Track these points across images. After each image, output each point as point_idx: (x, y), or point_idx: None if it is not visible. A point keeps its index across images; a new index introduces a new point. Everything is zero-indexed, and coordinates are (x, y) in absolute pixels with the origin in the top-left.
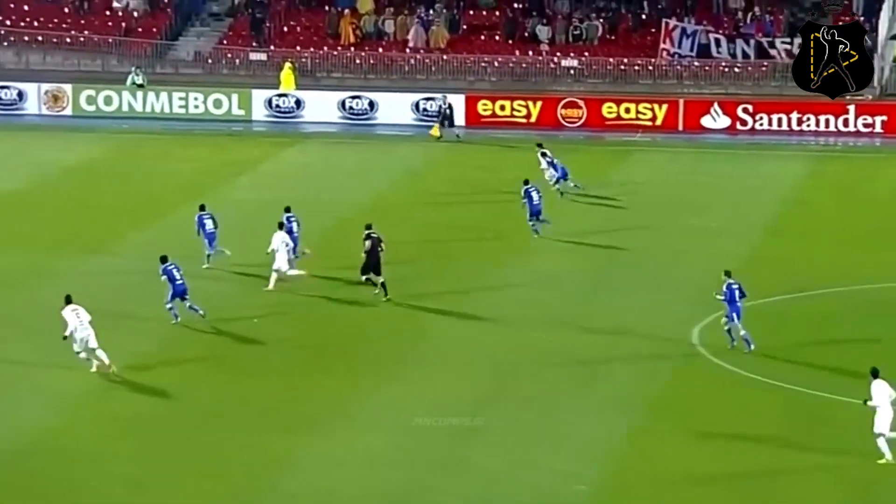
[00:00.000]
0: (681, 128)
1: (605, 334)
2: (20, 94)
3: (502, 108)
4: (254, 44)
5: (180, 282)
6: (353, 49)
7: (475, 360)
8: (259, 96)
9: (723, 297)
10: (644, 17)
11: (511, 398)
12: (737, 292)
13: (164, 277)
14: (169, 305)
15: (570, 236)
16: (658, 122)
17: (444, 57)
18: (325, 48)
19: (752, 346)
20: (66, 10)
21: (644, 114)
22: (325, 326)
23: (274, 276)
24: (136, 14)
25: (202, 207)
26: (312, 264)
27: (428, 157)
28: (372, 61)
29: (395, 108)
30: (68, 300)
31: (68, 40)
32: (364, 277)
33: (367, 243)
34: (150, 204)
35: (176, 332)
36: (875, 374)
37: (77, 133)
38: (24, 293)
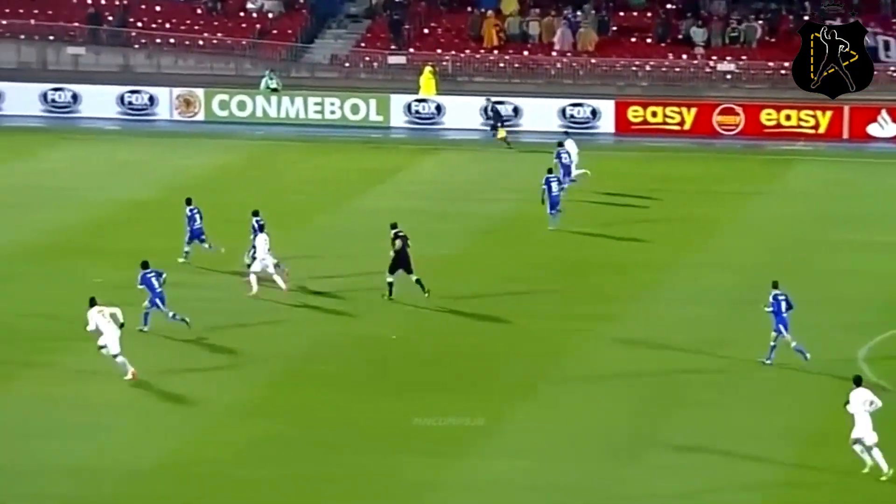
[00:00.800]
0: (845, 136)
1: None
2: (151, 99)
3: (654, 114)
4: (392, 46)
5: (159, 290)
6: (496, 52)
7: (627, 382)
8: (398, 101)
9: (770, 309)
10: (806, 18)
11: (670, 422)
12: (783, 304)
13: (141, 286)
14: (146, 311)
15: (721, 253)
16: (821, 130)
17: (593, 60)
18: (467, 51)
19: (808, 356)
20: (199, 11)
21: (806, 121)
22: (458, 344)
23: (254, 277)
24: (271, 16)
25: (189, 201)
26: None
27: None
28: (516, 65)
29: (540, 113)
30: (92, 302)
31: (201, 43)
32: (391, 279)
33: (398, 243)
34: (283, 214)
35: (304, 351)
36: (857, 383)
37: (209, 139)
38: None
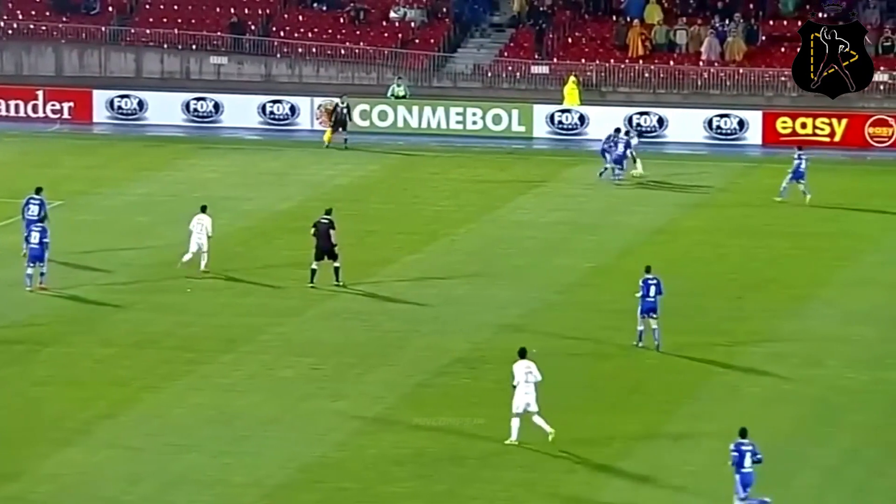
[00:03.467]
0: None
1: None
2: (292, 109)
3: (803, 125)
4: (536, 56)
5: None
6: (641, 62)
7: (783, 404)
8: (541, 112)
9: None
10: None
11: (830, 448)
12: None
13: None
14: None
15: (872, 269)
16: None
17: (740, 70)
18: (612, 61)
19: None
20: (342, 20)
21: None
22: (605, 364)
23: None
24: (413, 25)
25: (38, 220)
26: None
27: (723, 180)
28: (662, 75)
29: (685, 125)
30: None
31: (343, 52)
32: (314, 265)
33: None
34: (425, 226)
35: (437, 367)
36: (521, 355)
37: (350, 149)
38: (302, 321)
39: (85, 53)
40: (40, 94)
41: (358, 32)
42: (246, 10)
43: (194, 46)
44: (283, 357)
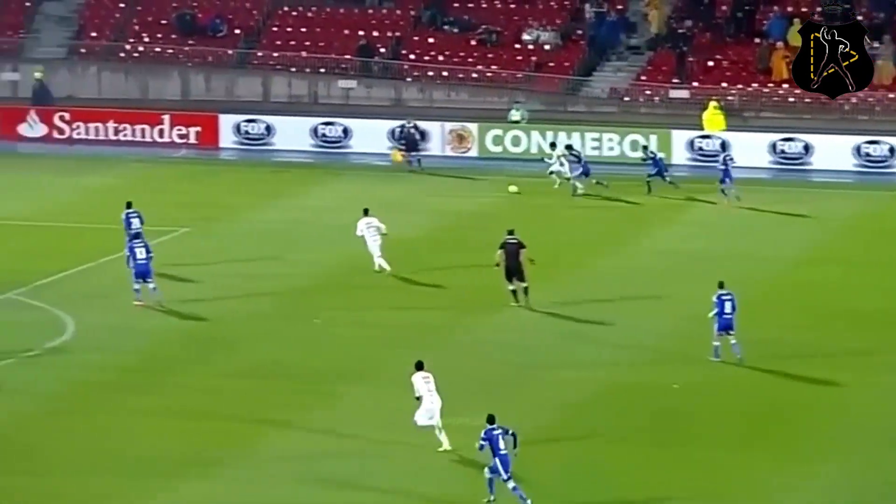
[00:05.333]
0: None
1: None
2: (423, 134)
3: None
4: (675, 80)
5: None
6: (785, 86)
7: None
8: (680, 137)
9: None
10: None
11: None
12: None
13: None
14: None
15: None
16: None
17: (890, 95)
18: (755, 85)
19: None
20: (473, 43)
21: None
22: (752, 396)
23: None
24: (547, 48)
25: (137, 236)
26: None
27: (867, 209)
28: (807, 100)
29: (833, 151)
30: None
31: (474, 76)
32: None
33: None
34: (559, 256)
35: (580, 398)
36: (418, 367)
37: (482, 176)
38: (443, 351)
39: (211, 77)
40: (166, 118)
41: (490, 56)
42: (375, 33)
43: (322, 70)
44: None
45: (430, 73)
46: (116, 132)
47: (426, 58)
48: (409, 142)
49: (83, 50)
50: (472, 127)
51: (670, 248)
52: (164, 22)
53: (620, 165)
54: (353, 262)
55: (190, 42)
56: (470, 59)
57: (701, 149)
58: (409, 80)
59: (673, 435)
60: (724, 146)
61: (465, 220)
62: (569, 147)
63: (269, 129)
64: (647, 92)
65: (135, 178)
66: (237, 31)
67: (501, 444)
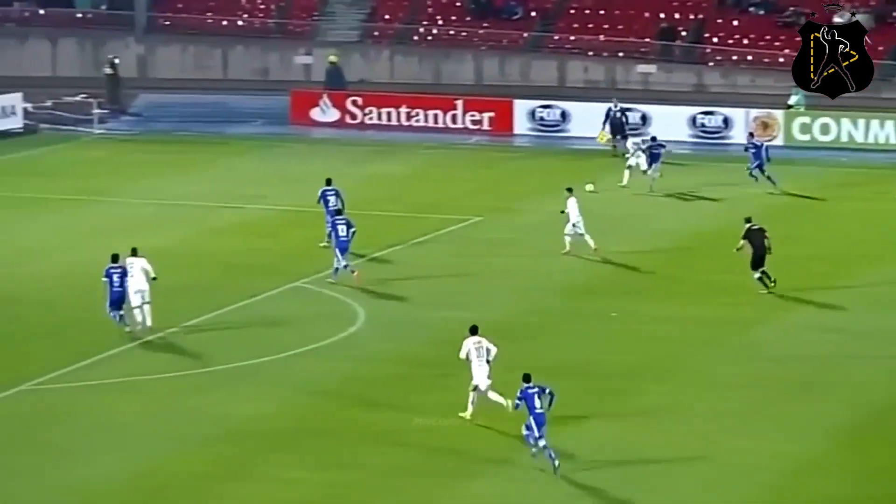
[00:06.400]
0: None
1: None
2: (726, 121)
3: None
4: None
5: (118, 289)
6: None
7: None
8: None
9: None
10: None
11: None
12: None
13: (104, 280)
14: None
15: None
16: None
17: None
18: None
19: None
20: (780, 26)
21: None
22: None
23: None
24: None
25: (338, 212)
26: None
27: None
28: None
29: None
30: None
31: (781, 60)
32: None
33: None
34: (850, 255)
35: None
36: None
37: (787, 165)
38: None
39: (505, 61)
40: (459, 103)
41: (797, 39)
42: (676, 15)
43: (621, 54)
44: (698, 390)
45: (734, 58)
46: (408, 118)
47: (730, 41)
48: (616, 126)
49: (376, 33)
50: (778, 114)
51: None
52: (458, 4)
53: None
54: (645, 254)
55: (484, 25)
56: (776, 43)
57: None
58: (710, 64)
59: None
60: None
61: (769, 213)
62: (653, 138)
63: (564, 115)
64: None
65: (422, 165)
66: (533, 14)
67: (537, 403)
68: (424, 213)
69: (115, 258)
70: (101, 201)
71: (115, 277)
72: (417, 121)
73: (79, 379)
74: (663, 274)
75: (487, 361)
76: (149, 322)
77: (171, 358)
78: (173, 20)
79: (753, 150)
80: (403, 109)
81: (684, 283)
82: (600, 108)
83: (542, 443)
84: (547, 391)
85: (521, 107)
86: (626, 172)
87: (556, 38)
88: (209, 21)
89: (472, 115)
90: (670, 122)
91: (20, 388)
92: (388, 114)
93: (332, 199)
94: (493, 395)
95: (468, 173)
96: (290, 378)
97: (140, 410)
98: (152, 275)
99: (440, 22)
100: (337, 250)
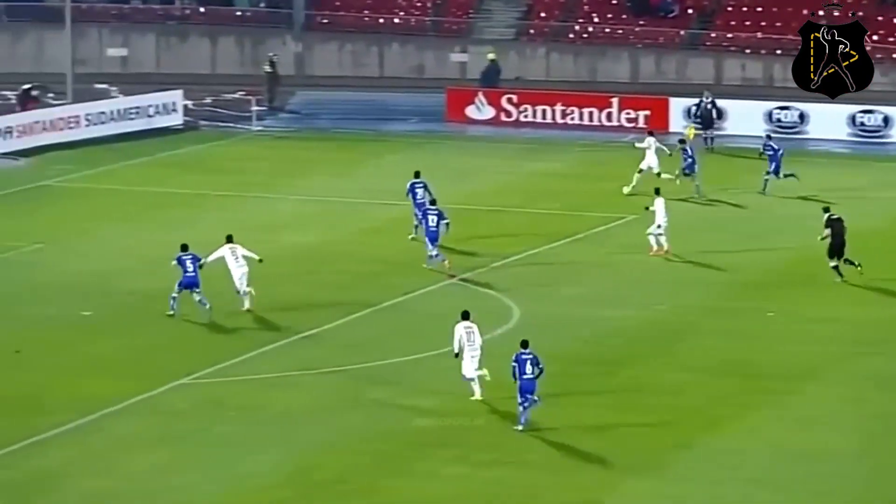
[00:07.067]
0: None
1: None
2: (886, 120)
3: None
4: None
5: (192, 273)
6: None
7: None
8: None
9: None
10: None
11: None
12: None
13: (174, 263)
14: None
15: None
16: None
17: None
18: None
19: None
20: None
21: None
22: None
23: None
24: None
25: (433, 203)
26: None
27: None
28: None
29: None
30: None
31: None
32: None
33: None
34: None
35: None
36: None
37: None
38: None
39: (662, 59)
40: (615, 101)
41: None
42: (835, 12)
43: (779, 51)
44: (871, 391)
45: (895, 56)
46: (564, 115)
47: (890, 39)
48: (705, 119)
49: (532, 31)
50: None
51: None
52: (614, 2)
53: None
54: (806, 253)
55: (640, 22)
56: None
57: None
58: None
59: None
60: None
61: None
62: (682, 141)
63: (720, 113)
64: None
65: (577, 163)
66: (689, 12)
67: (528, 369)
68: (580, 210)
69: (184, 247)
70: (261, 197)
71: (189, 263)
72: (572, 119)
73: (239, 373)
74: (820, 275)
75: (481, 348)
76: (247, 305)
77: (329, 354)
78: (331, 18)
79: (770, 153)
80: (559, 107)
81: (845, 285)
82: (757, 107)
83: (522, 406)
84: (539, 364)
85: (677, 104)
86: (636, 177)
87: (713, 35)
88: (366, 19)
89: (628, 113)
90: (829, 121)
91: (180, 382)
92: (543, 111)
93: (419, 191)
94: (475, 386)
95: (623, 171)
96: (448, 374)
97: (303, 405)
98: (257, 258)
99: (596, 20)
100: (427, 239)
